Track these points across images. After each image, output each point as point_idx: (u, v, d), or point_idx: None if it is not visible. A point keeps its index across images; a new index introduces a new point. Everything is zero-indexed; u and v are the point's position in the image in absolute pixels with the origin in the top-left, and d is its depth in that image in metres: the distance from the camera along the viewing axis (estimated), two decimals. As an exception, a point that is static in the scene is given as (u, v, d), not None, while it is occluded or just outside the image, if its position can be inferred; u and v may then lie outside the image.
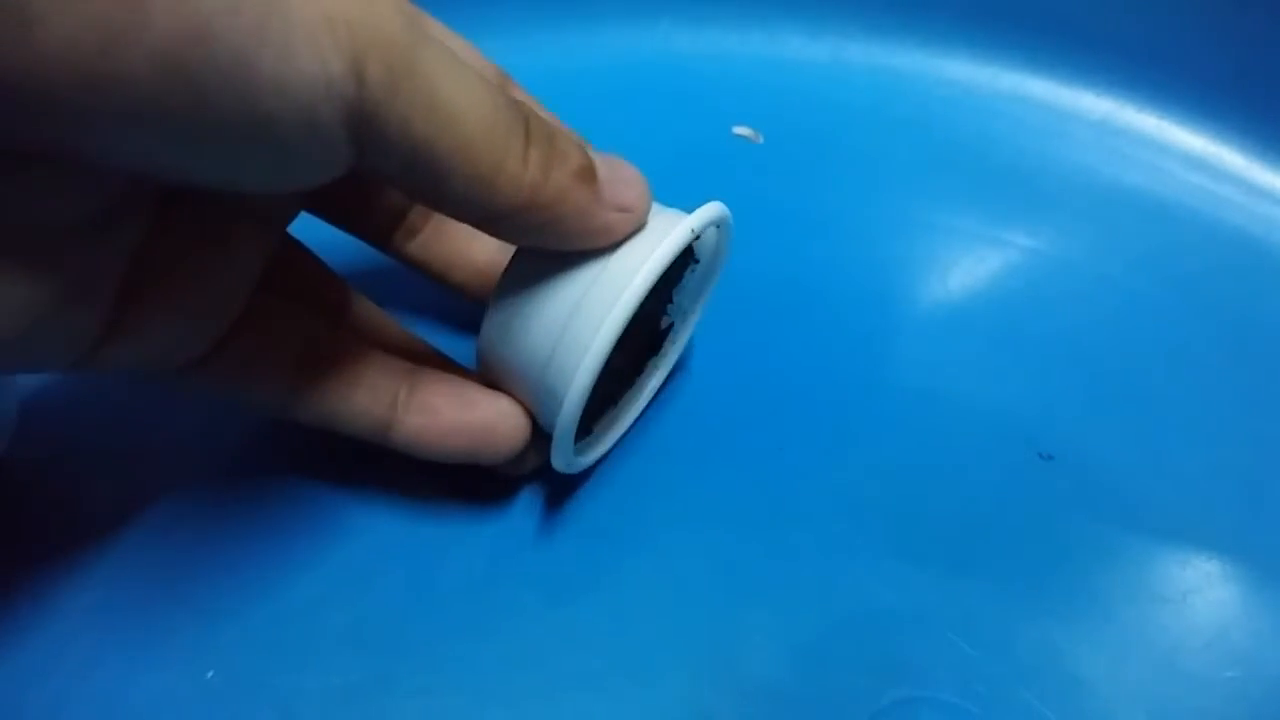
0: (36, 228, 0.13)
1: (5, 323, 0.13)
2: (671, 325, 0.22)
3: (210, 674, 0.19)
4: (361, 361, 0.19)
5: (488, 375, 0.19)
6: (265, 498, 0.22)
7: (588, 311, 0.17)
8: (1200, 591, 0.20)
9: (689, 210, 0.18)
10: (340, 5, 0.12)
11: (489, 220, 0.16)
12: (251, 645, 0.19)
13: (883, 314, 0.26)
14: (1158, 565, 0.21)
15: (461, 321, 0.25)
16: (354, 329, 0.21)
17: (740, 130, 0.32)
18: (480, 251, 0.22)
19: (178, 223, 0.15)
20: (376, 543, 0.21)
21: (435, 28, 0.19)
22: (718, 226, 0.20)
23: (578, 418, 0.18)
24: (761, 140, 0.32)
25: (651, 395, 0.23)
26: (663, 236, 0.17)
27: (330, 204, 0.21)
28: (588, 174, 0.16)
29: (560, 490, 0.22)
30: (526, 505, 0.21)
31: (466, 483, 0.22)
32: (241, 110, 0.12)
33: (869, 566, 0.20)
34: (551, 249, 0.17)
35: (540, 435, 0.20)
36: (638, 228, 0.17)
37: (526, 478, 0.22)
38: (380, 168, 0.14)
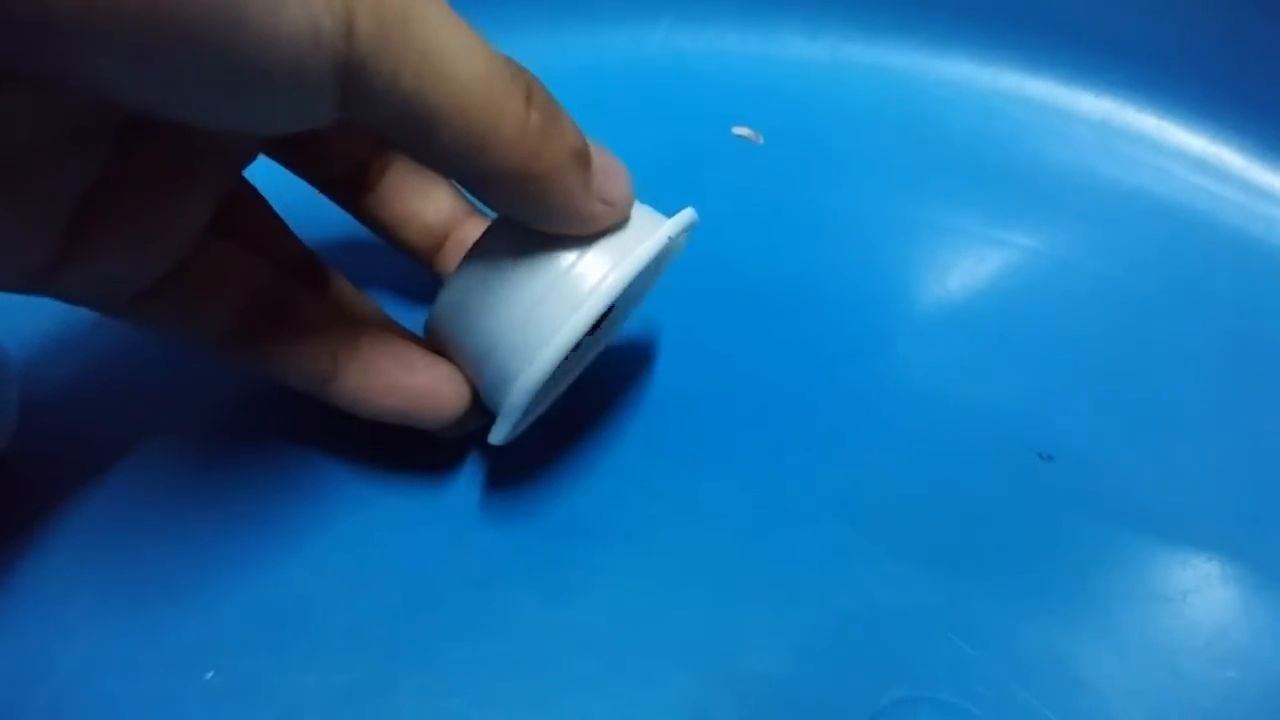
0: (1, 145, 0.13)
1: None
2: (612, 308, 0.22)
3: (210, 674, 0.19)
4: (306, 315, 0.19)
5: (435, 341, 0.19)
6: (265, 499, 0.22)
7: (553, 303, 0.17)
8: (1200, 591, 0.20)
9: (662, 210, 0.18)
10: None
11: (478, 180, 0.16)
12: (251, 645, 0.19)
13: (882, 314, 0.26)
14: (1158, 565, 0.21)
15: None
16: (303, 283, 0.21)
17: (740, 130, 0.32)
18: (433, 212, 0.22)
19: (137, 153, 0.15)
20: (376, 543, 0.21)
21: None
22: (686, 230, 0.20)
23: (525, 405, 0.18)
24: (761, 140, 0.32)
25: (578, 374, 0.23)
26: (637, 240, 0.17)
27: (288, 149, 0.21)
28: (583, 157, 0.16)
29: (559, 491, 0.22)
30: (526, 506, 0.21)
31: (465, 484, 0.22)
32: (226, 55, 0.11)
33: (869, 566, 0.20)
34: (530, 225, 0.17)
35: (476, 400, 0.20)
36: (618, 223, 0.17)
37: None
38: (369, 119, 0.14)
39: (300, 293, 0.20)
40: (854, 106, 0.33)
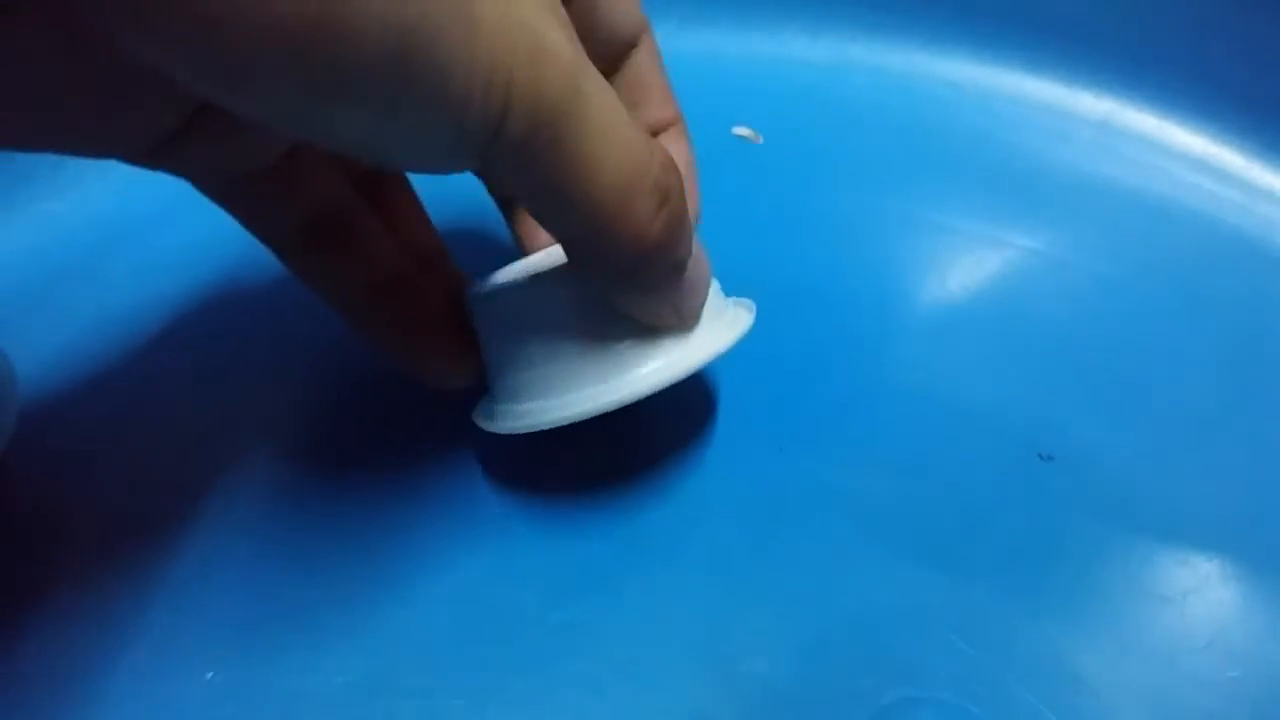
0: None
1: (96, 118, 0.13)
2: None
3: (210, 674, 0.19)
4: (361, 241, 0.20)
5: (471, 312, 0.20)
6: (264, 499, 0.22)
7: (593, 367, 0.18)
8: (1200, 591, 0.20)
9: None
10: (509, 57, 0.12)
11: (583, 253, 0.16)
12: (251, 645, 0.19)
13: (882, 314, 0.26)
14: (1158, 565, 0.21)
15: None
16: (372, 205, 0.21)
17: (740, 130, 0.32)
18: None
19: None
20: (375, 543, 0.21)
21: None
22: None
23: (529, 429, 0.18)
24: (761, 140, 0.32)
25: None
26: (698, 339, 0.18)
27: None
28: (680, 271, 0.17)
29: (559, 491, 0.22)
30: (526, 506, 0.21)
31: (465, 485, 0.22)
32: (385, 109, 0.12)
33: (869, 566, 0.20)
34: (604, 295, 0.17)
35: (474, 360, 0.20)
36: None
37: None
38: (503, 184, 0.15)
39: (365, 217, 0.20)
40: (854, 106, 0.33)
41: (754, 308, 0.21)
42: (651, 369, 0.18)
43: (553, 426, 0.18)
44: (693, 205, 0.20)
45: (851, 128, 0.33)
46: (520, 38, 0.13)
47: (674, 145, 0.21)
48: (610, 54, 0.21)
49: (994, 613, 0.20)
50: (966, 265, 0.28)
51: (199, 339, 0.25)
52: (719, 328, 0.19)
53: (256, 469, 0.22)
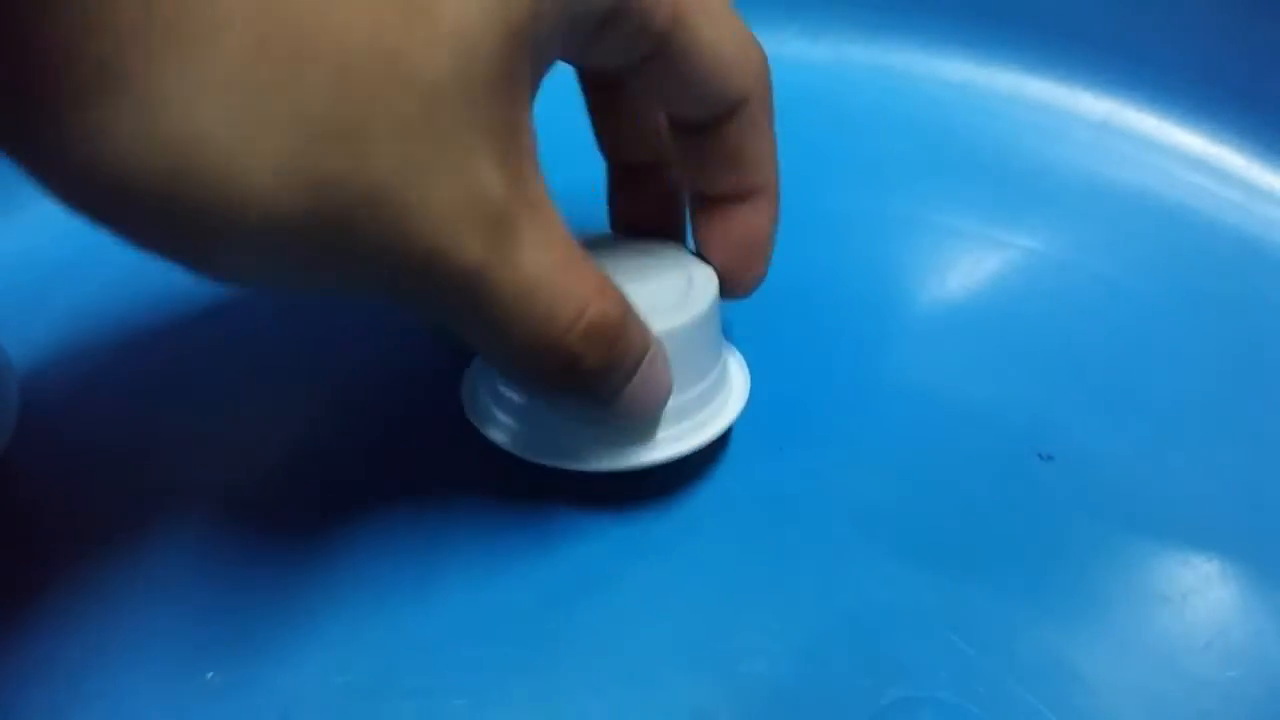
0: None
1: None
2: None
3: (210, 674, 0.19)
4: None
5: None
6: (264, 498, 0.22)
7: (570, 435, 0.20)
8: (1200, 591, 0.20)
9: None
10: (438, 238, 0.13)
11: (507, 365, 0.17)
12: (251, 645, 0.19)
13: (882, 314, 0.26)
14: (1158, 565, 0.21)
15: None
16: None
17: (740, 130, 0.32)
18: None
19: None
20: (375, 543, 0.21)
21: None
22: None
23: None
24: (761, 140, 0.32)
25: None
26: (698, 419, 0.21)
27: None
28: (608, 398, 0.17)
29: (558, 491, 0.22)
30: (524, 506, 0.21)
31: (466, 485, 0.22)
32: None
33: (869, 566, 0.20)
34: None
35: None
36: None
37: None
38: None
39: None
40: (854, 106, 0.33)
41: (746, 381, 0.22)
42: (651, 448, 0.20)
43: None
44: (751, 274, 0.21)
45: (851, 128, 0.33)
46: (447, 217, 0.13)
47: (750, 216, 0.20)
48: (699, 123, 0.19)
49: (994, 613, 0.20)
50: (966, 265, 0.28)
51: (199, 338, 0.25)
52: (682, 430, 0.20)
53: (257, 468, 0.22)
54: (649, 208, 0.22)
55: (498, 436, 0.20)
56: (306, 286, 0.14)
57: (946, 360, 0.25)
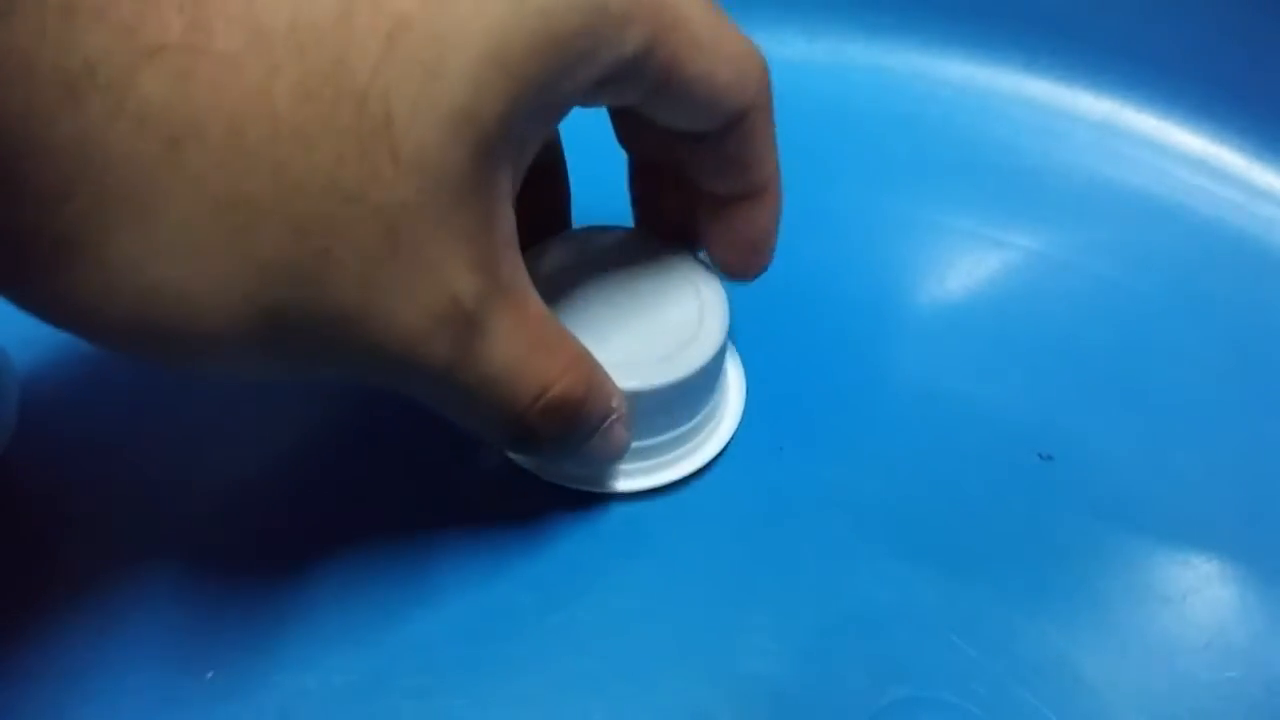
0: None
1: None
2: None
3: (210, 674, 0.19)
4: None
5: None
6: (265, 498, 0.22)
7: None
8: (1200, 591, 0.20)
9: None
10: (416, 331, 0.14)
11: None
12: (251, 645, 0.19)
13: (882, 314, 0.26)
14: (1158, 565, 0.21)
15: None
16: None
17: (740, 130, 0.32)
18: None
19: None
20: (375, 543, 0.21)
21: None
22: None
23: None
24: (761, 140, 0.32)
25: None
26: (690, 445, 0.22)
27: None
28: (571, 450, 0.18)
29: (557, 492, 0.22)
30: (524, 507, 0.21)
31: (466, 485, 0.22)
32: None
33: (869, 566, 0.20)
34: None
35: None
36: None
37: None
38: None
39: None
40: (854, 106, 0.33)
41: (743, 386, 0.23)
42: (639, 474, 0.21)
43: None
44: (756, 266, 0.21)
45: (851, 128, 0.33)
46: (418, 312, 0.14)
47: (753, 212, 0.20)
48: (701, 134, 0.19)
49: (994, 613, 0.20)
50: (966, 265, 0.28)
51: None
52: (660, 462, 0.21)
53: (256, 468, 0.22)
54: (667, 203, 0.22)
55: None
56: (283, 380, 0.15)
57: (946, 360, 0.25)
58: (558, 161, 0.22)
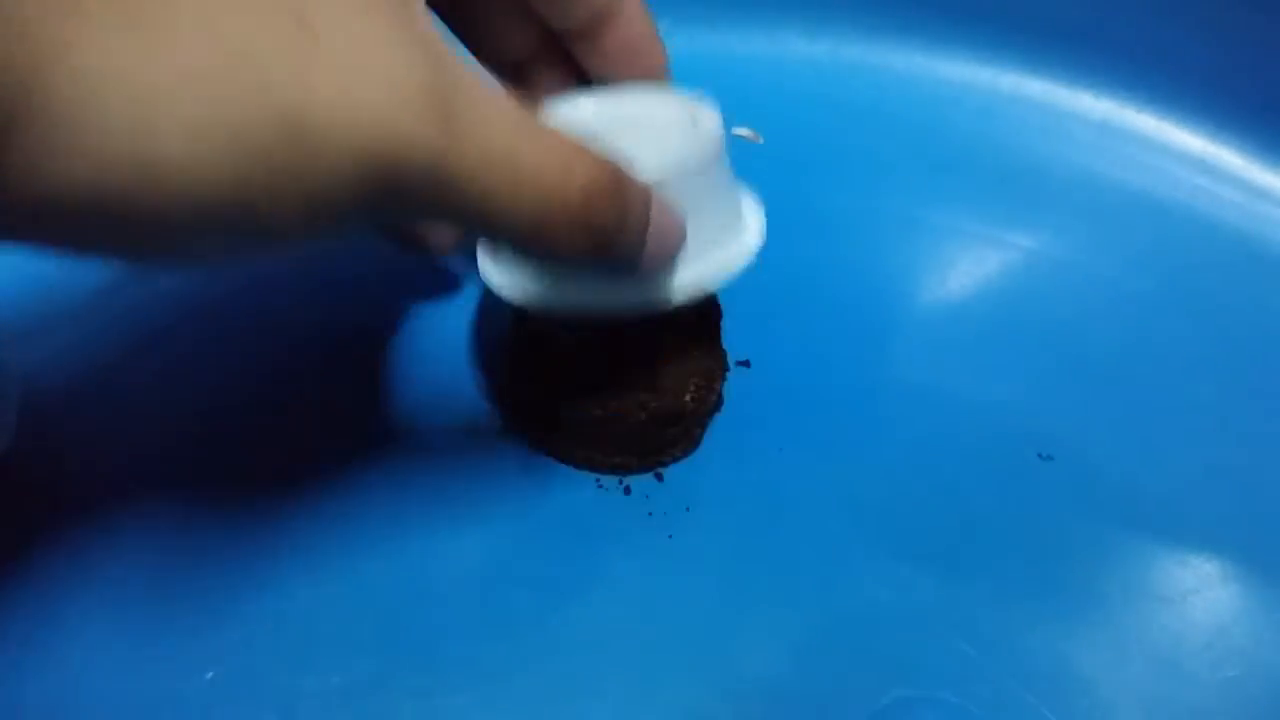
0: None
1: None
2: None
3: (210, 674, 0.19)
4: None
5: None
6: (265, 499, 0.22)
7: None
8: (1200, 591, 0.20)
9: None
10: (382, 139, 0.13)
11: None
12: (251, 645, 0.19)
13: (882, 314, 0.26)
14: (1158, 565, 0.21)
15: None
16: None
17: (740, 130, 0.32)
18: None
19: None
20: (375, 544, 0.21)
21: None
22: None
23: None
24: (762, 140, 0.32)
25: None
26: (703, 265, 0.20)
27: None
28: (629, 252, 0.17)
29: (557, 491, 0.22)
30: (524, 506, 0.21)
31: (466, 485, 0.22)
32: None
33: (869, 566, 0.20)
34: None
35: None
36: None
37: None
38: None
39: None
40: (854, 106, 0.33)
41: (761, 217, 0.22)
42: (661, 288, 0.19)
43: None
44: (656, 65, 0.21)
45: (851, 128, 0.33)
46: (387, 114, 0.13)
47: (625, 25, 0.21)
48: (587, 25, 0.20)
49: (994, 612, 0.20)
50: (966, 265, 0.28)
51: (199, 337, 0.25)
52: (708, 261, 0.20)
53: (256, 468, 0.22)
54: (509, 41, 0.22)
55: (533, 295, 0.20)
56: (282, 241, 0.14)
57: (946, 360, 0.25)
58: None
